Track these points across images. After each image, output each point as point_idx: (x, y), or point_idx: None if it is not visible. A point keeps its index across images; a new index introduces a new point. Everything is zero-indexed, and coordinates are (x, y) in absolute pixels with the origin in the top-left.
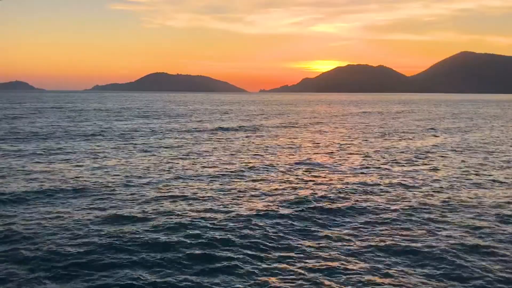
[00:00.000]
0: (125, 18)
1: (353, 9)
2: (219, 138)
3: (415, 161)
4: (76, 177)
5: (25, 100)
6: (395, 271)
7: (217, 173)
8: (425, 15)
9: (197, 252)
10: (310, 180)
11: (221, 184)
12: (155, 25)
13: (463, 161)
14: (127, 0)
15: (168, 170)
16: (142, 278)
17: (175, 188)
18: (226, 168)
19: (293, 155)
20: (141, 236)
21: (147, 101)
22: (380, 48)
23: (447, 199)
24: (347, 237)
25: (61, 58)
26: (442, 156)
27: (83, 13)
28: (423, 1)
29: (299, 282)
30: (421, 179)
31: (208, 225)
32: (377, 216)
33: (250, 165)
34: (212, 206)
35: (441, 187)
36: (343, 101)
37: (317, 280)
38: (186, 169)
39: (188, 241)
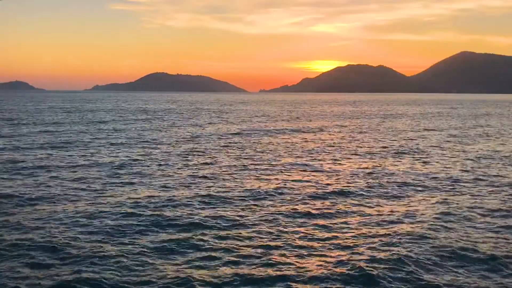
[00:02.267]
0: (125, 18)
1: (353, 9)
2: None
3: None
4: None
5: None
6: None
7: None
8: (425, 15)
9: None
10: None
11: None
12: (155, 25)
13: None
14: (127, 0)
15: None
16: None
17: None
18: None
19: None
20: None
21: (168, 101)
22: (380, 48)
23: None
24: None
25: (61, 58)
26: None
27: (83, 13)
28: (423, 1)
29: None
30: None
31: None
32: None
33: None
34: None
35: None
36: (366, 101)
37: None
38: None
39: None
